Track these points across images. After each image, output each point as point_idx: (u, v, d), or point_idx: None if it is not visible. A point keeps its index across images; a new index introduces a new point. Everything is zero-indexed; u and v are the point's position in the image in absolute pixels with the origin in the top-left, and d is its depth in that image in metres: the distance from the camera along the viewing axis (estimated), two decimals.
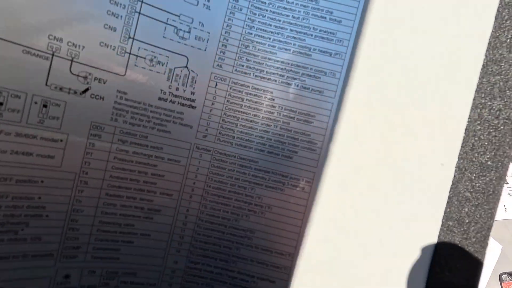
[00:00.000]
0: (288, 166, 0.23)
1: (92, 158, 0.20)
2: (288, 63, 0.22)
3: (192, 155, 0.22)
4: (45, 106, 0.18)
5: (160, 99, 0.21)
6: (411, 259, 0.22)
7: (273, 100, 0.23)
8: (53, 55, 0.17)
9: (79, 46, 0.18)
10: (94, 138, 0.20)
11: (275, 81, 0.23)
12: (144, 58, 0.20)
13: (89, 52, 0.19)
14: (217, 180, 0.23)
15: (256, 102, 0.23)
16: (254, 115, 0.23)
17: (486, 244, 0.22)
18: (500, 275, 0.42)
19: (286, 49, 0.22)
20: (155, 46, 0.21)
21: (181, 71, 0.22)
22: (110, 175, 0.21)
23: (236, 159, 0.23)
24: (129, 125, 0.21)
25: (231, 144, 0.23)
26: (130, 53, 0.20)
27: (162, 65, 0.21)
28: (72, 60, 0.18)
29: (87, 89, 0.19)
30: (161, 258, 0.22)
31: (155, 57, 0.21)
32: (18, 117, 0.17)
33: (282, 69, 0.22)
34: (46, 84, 0.18)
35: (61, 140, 0.19)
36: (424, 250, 0.22)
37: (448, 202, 0.22)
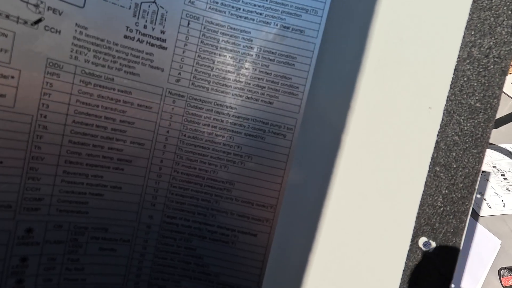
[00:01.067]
0: (268, 113, 0.21)
1: (50, 100, 0.18)
2: (267, 0, 0.21)
3: (164, 101, 0.21)
4: None
5: (126, 37, 0.19)
6: (397, 208, 0.22)
7: (251, 41, 0.21)
8: None
9: None
10: (52, 77, 0.18)
11: (253, 19, 0.21)
12: None
13: None
14: (192, 129, 0.21)
15: (232, 44, 0.21)
16: (231, 58, 0.21)
17: (474, 189, 0.22)
18: (500, 270, 0.42)
19: None
20: None
21: (149, 6, 0.20)
22: (72, 120, 0.19)
23: (213, 105, 0.21)
24: (92, 64, 0.19)
25: (206, 90, 0.21)
26: None
27: None
28: None
29: (39, 20, 0.17)
30: (134, 212, 0.21)
31: None
32: None
33: (260, 6, 0.21)
34: None
35: (12, 77, 0.17)
36: (411, 197, 0.22)
37: (435, 147, 0.21)
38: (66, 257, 0.20)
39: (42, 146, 0.18)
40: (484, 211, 0.53)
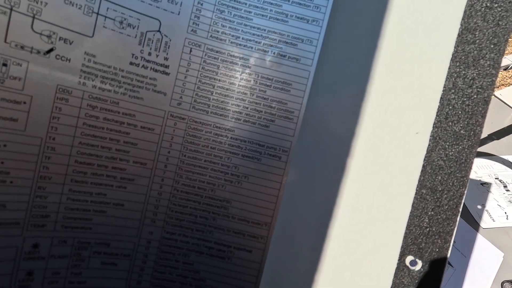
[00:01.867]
0: (264, 135, 0.22)
1: (59, 123, 0.19)
2: (265, 30, 0.22)
3: (166, 123, 0.22)
4: (5, 64, 0.17)
5: (131, 63, 0.20)
6: (385, 228, 0.23)
7: (250, 67, 0.22)
8: (11, 9, 0.16)
9: (41, 2, 0.17)
10: (61, 102, 0.19)
11: (251, 48, 0.22)
12: (114, 20, 0.19)
13: (53, 10, 0.18)
14: (192, 149, 0.22)
15: (232, 70, 0.22)
16: (230, 83, 0.22)
17: (458, 211, 0.23)
18: (502, 283, 0.42)
19: (262, 15, 0.22)
20: (125, 8, 0.20)
21: (154, 35, 0.21)
22: (79, 142, 0.20)
23: (212, 127, 0.22)
24: (98, 90, 0.20)
25: (206, 113, 0.22)
26: (98, 13, 0.19)
27: (133, 28, 0.20)
28: (33, 17, 0.17)
29: (51, 49, 0.18)
30: (135, 228, 0.22)
31: (125, 19, 0.20)
32: None
33: (258, 35, 0.22)
34: (5, 41, 0.17)
35: (24, 103, 0.18)
36: (399, 218, 0.23)
37: (422, 171, 0.22)
38: (70, 271, 0.21)
39: (50, 166, 0.19)
40: (486, 223, 0.52)
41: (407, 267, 0.23)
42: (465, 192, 0.23)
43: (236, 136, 0.22)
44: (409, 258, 0.23)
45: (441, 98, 0.22)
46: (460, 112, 0.22)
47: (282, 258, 0.23)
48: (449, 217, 0.22)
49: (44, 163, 0.19)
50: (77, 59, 0.19)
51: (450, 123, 0.22)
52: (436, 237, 0.22)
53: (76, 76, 0.19)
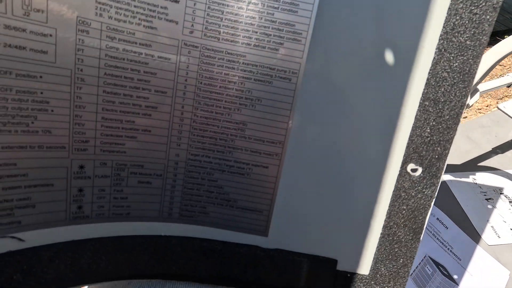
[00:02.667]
0: (274, 59, 0.23)
1: (84, 55, 0.21)
2: None
3: (181, 52, 0.23)
4: None
5: None
6: (389, 139, 0.25)
7: None
8: None
9: None
10: (83, 34, 0.20)
11: None
12: None
13: None
14: (207, 76, 0.24)
15: None
16: (238, 8, 0.23)
17: (458, 120, 0.24)
18: None
19: None
20: None
21: None
22: (104, 73, 0.22)
23: (224, 54, 0.23)
24: (115, 20, 0.21)
25: (217, 40, 0.23)
26: None
27: None
28: None
29: None
30: (163, 151, 0.25)
31: None
32: (3, 7, 0.17)
33: None
34: None
35: (51, 35, 0.19)
36: (402, 130, 0.24)
37: (426, 84, 0.23)
38: (113, 188, 0.24)
39: (82, 96, 0.21)
40: (492, 240, 0.49)
41: (408, 173, 0.25)
42: (466, 102, 0.24)
43: (248, 61, 0.23)
44: (410, 166, 0.25)
45: (448, 8, 0.22)
46: (467, 22, 0.22)
47: (295, 172, 0.26)
48: (449, 126, 0.24)
49: (77, 93, 0.21)
50: None
51: (456, 34, 0.22)
52: (436, 145, 0.24)
53: (92, 8, 0.20)
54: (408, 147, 0.25)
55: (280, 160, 0.25)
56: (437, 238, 0.55)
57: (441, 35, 0.23)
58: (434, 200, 0.26)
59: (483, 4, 0.22)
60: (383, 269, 0.27)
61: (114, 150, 0.23)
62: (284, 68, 0.24)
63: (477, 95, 0.46)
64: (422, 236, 0.27)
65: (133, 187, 0.25)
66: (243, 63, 0.24)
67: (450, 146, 0.24)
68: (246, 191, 0.26)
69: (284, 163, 0.25)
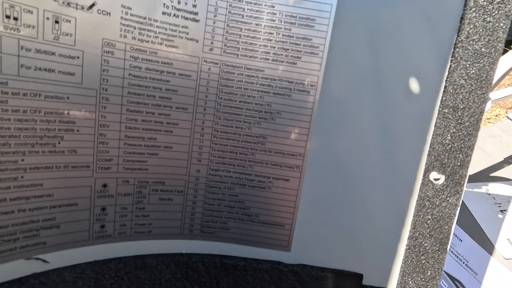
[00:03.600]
0: (293, 72, 0.24)
1: (109, 75, 0.21)
2: None
3: (201, 69, 0.23)
4: (57, 22, 0.18)
5: (163, 13, 0.22)
6: (410, 148, 0.25)
7: (273, 7, 0.23)
8: None
9: None
10: (108, 55, 0.21)
11: None
12: None
13: None
14: (227, 92, 0.24)
15: (256, 11, 0.23)
16: (256, 24, 0.23)
17: (479, 127, 0.24)
18: None
19: None
20: None
21: None
22: (128, 92, 0.22)
23: (243, 69, 0.24)
24: (138, 41, 0.21)
25: (236, 56, 0.24)
26: None
27: None
28: None
29: (93, 4, 0.19)
30: (184, 167, 0.25)
31: None
32: (35, 33, 0.18)
33: None
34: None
35: (78, 57, 0.20)
36: (423, 138, 0.24)
37: (444, 91, 0.24)
38: (135, 206, 0.24)
39: (106, 115, 0.22)
40: (508, 253, 0.48)
41: (431, 182, 0.25)
42: (485, 108, 0.24)
43: (266, 75, 0.24)
44: (433, 174, 0.25)
45: (462, 17, 0.23)
46: (481, 30, 0.23)
47: (317, 184, 0.26)
48: (470, 133, 0.24)
49: (101, 113, 0.21)
50: (116, 12, 0.20)
51: (471, 42, 0.23)
52: (458, 152, 0.24)
53: (117, 29, 0.21)
54: (429, 155, 0.25)
55: (301, 172, 0.25)
56: (452, 252, 0.53)
57: (456, 44, 0.23)
58: (459, 208, 0.25)
59: (496, 12, 0.22)
60: (410, 282, 0.26)
61: (136, 168, 0.23)
62: (303, 81, 0.24)
63: (489, 104, 0.46)
64: (448, 246, 0.26)
65: (155, 205, 0.25)
66: (262, 77, 0.24)
67: (472, 152, 0.24)
68: (267, 205, 0.26)
69: (305, 175, 0.25)
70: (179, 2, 0.22)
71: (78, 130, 0.21)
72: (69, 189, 0.21)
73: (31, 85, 0.18)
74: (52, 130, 0.20)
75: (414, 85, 0.24)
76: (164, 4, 0.22)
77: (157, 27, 0.22)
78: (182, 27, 0.22)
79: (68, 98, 0.20)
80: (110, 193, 0.23)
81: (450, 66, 0.23)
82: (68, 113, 0.20)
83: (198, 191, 0.26)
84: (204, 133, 0.25)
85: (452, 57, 0.23)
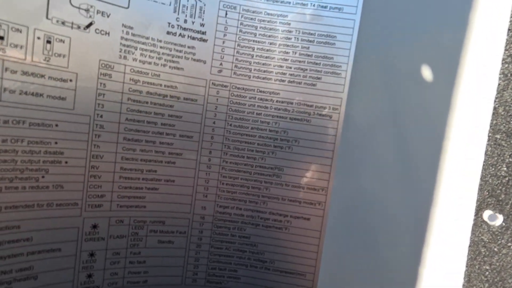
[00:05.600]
0: (312, 95, 0.21)
1: (105, 100, 0.19)
2: None
3: (209, 93, 0.21)
4: (48, 42, 0.17)
5: (168, 33, 0.20)
6: (457, 182, 0.21)
7: (289, 24, 0.21)
8: None
9: None
10: (105, 77, 0.19)
11: (289, 3, 0.21)
12: None
13: None
14: (238, 118, 0.21)
15: (270, 29, 0.21)
16: (270, 43, 0.21)
17: None
18: None
19: None
20: None
21: (188, 1, 0.20)
22: (126, 118, 0.20)
23: (256, 92, 0.21)
24: (139, 63, 0.19)
25: (248, 77, 0.21)
26: None
27: None
28: None
29: (90, 24, 0.18)
30: (188, 204, 0.21)
31: None
32: (22, 54, 0.16)
33: None
34: (47, 17, 0.16)
35: (71, 80, 0.18)
36: (471, 169, 0.20)
37: (493, 114, 0.20)
38: (129, 250, 0.21)
39: (100, 144, 0.19)
40: None
41: (486, 222, 0.20)
42: None
43: (282, 99, 0.21)
44: (487, 213, 0.20)
45: (508, 29, 0.20)
46: None
47: (343, 224, 0.21)
48: None
49: (94, 142, 0.19)
50: (116, 32, 0.18)
51: None
52: None
53: (116, 50, 0.19)
54: (481, 190, 0.20)
55: (324, 210, 0.21)
56: None
57: (504, 59, 0.20)
58: None
59: None
60: None
61: (132, 205, 0.20)
62: (324, 105, 0.21)
63: None
64: None
65: (153, 249, 0.21)
66: (277, 101, 0.21)
67: None
68: (285, 249, 0.22)
69: (329, 213, 0.21)
70: (185, 21, 0.20)
71: (66, 162, 0.18)
72: (52, 231, 0.18)
73: (14, 111, 0.16)
74: (35, 162, 0.17)
75: (457, 107, 0.20)
76: (169, 23, 0.20)
77: (160, 47, 0.20)
78: (189, 47, 0.20)
79: (56, 125, 0.18)
80: (101, 236, 0.20)
81: (499, 84, 0.20)
82: (55, 143, 0.18)
83: (203, 232, 0.22)
84: (211, 164, 0.22)
85: (500, 74, 0.20)
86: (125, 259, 0.20)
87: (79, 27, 0.17)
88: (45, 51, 0.17)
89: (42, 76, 0.17)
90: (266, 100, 0.21)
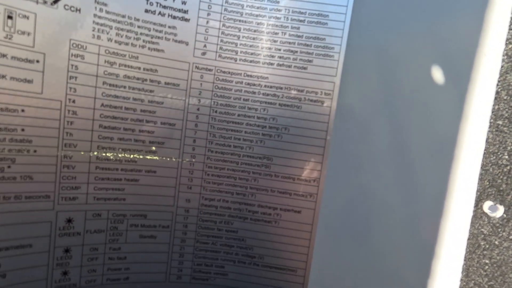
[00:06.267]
0: (302, 79, 0.20)
1: (77, 84, 0.17)
2: None
3: (192, 77, 0.19)
4: (10, 17, 0.15)
5: (147, 11, 0.18)
6: (456, 171, 0.20)
7: (278, 2, 0.19)
8: None
9: None
10: (76, 59, 0.17)
11: None
12: None
13: None
14: (223, 104, 0.20)
15: (258, 8, 0.19)
16: (258, 23, 0.20)
17: None
18: None
19: None
20: None
21: None
22: (101, 104, 0.18)
23: (243, 77, 0.20)
24: (115, 43, 0.18)
25: (235, 60, 0.20)
26: None
27: None
28: None
29: None
30: (171, 197, 0.20)
31: None
32: None
33: None
34: None
35: (37, 61, 0.16)
36: (471, 158, 0.19)
37: (496, 98, 0.19)
38: (108, 246, 0.19)
39: (73, 132, 0.18)
40: None
41: (486, 214, 0.19)
42: None
43: (271, 84, 0.20)
44: (487, 204, 0.19)
45: None
46: None
47: (336, 217, 0.20)
48: None
49: (67, 129, 0.17)
50: (88, 9, 0.17)
51: None
52: None
53: (89, 29, 0.17)
54: (481, 179, 0.19)
55: (315, 202, 0.20)
56: None
57: (508, 39, 0.19)
58: None
59: None
60: None
61: (110, 198, 0.19)
62: (315, 90, 0.20)
63: None
64: None
65: (134, 244, 0.20)
66: (265, 85, 0.20)
67: None
68: (275, 243, 0.21)
69: (321, 206, 0.20)
70: None
71: (35, 151, 0.17)
72: (21, 226, 0.17)
73: None
74: (0, 151, 0.16)
75: (457, 91, 0.19)
76: (148, 0, 0.18)
77: (138, 27, 0.18)
78: (169, 27, 0.19)
79: (23, 111, 0.16)
80: (76, 230, 0.18)
81: (502, 66, 0.19)
82: (22, 130, 0.16)
83: (188, 226, 0.21)
84: (195, 154, 0.20)
85: (504, 55, 0.19)
86: (103, 255, 0.19)
87: (45, 2, 0.16)
88: (6, 28, 0.15)
89: (4, 55, 0.15)
90: (254, 85, 0.20)
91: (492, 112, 0.19)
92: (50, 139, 0.17)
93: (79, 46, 0.17)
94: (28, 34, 0.16)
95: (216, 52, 0.20)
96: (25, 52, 0.16)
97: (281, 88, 0.20)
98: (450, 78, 0.19)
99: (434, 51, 0.19)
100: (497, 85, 0.19)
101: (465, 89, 0.19)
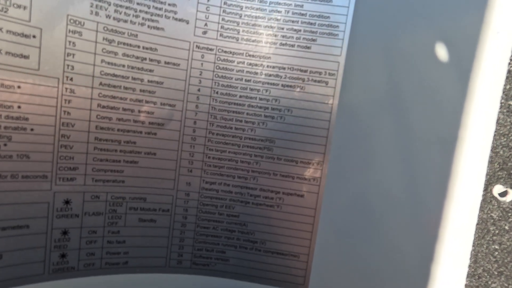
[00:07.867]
0: (306, 59, 0.19)
1: (75, 61, 0.17)
2: None
3: (192, 57, 0.19)
4: None
5: None
6: (465, 153, 0.19)
7: None
8: None
9: None
10: (74, 35, 0.17)
11: None
12: None
13: None
14: (225, 84, 0.19)
15: None
16: (260, 1, 0.19)
17: None
18: None
19: None
20: None
21: None
22: (99, 83, 0.18)
23: (244, 57, 0.19)
24: (113, 20, 0.17)
25: (236, 40, 0.19)
26: None
27: None
28: None
29: None
30: (171, 180, 0.20)
31: None
32: None
33: None
34: None
35: (34, 36, 0.16)
36: (481, 139, 0.19)
37: (507, 78, 0.18)
38: (107, 229, 0.19)
39: (71, 111, 0.17)
40: None
41: (496, 198, 0.19)
42: None
43: (273, 64, 0.19)
44: (497, 188, 0.19)
45: None
46: None
47: (340, 201, 0.20)
48: None
49: (64, 108, 0.17)
50: None
51: None
52: None
53: (87, 5, 0.17)
54: (491, 162, 0.19)
55: (319, 186, 0.20)
56: None
57: None
58: None
59: None
60: None
61: (109, 179, 0.19)
62: (319, 70, 0.19)
63: None
64: None
65: (133, 227, 0.19)
66: (267, 66, 0.19)
67: None
68: (277, 228, 0.20)
69: (325, 190, 0.20)
70: None
71: (32, 129, 0.16)
72: (18, 206, 0.16)
73: None
74: None
75: (465, 70, 0.19)
76: None
77: (137, 4, 0.18)
78: (169, 4, 0.18)
79: (19, 87, 0.16)
80: (75, 212, 0.18)
81: None
82: (19, 107, 0.16)
83: (188, 210, 0.20)
84: (196, 136, 0.20)
85: None
86: (102, 239, 0.19)
87: None
88: (2, 1, 0.15)
89: None
90: (256, 65, 0.19)
91: (503, 92, 0.18)
92: (47, 117, 0.17)
93: (77, 22, 0.17)
94: (24, 8, 0.15)
95: (218, 31, 0.19)
96: (21, 26, 0.15)
97: (284, 68, 0.19)
98: (460, 55, 0.18)
99: (443, 25, 0.18)
100: (509, 64, 0.18)
101: (475, 67, 0.18)
